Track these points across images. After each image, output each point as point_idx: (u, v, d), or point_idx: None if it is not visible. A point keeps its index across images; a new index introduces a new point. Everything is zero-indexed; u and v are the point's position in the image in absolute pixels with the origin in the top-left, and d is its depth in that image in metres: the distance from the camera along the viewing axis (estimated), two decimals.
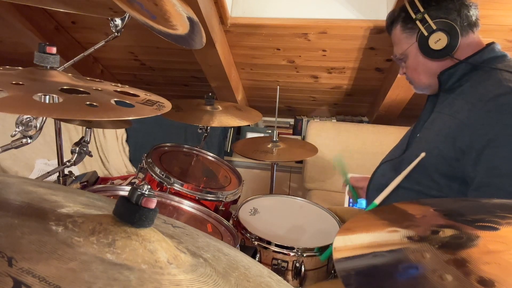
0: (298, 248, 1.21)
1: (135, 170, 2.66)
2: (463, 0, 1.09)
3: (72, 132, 2.66)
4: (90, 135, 1.24)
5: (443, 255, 0.42)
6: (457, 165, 1.01)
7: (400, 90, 2.33)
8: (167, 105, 0.72)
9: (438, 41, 1.08)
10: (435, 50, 1.09)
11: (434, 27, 1.08)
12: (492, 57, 1.07)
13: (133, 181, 2.28)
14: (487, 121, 0.96)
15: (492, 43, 1.10)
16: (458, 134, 1.01)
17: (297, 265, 1.21)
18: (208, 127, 1.83)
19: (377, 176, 1.27)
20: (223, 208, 1.47)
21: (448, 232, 0.48)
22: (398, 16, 1.17)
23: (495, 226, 0.48)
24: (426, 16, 1.09)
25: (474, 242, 0.44)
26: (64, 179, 1.29)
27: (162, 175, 1.41)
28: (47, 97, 0.59)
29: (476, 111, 0.99)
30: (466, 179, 1.00)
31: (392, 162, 1.21)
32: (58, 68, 0.73)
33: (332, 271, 1.28)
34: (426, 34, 1.09)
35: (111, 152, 2.78)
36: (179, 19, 1.10)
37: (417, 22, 1.10)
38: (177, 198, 1.35)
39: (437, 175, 1.05)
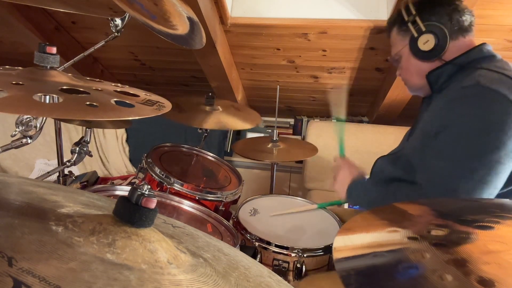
0: (298, 248, 1.21)
1: (135, 170, 2.66)
2: (456, 6, 1.12)
3: (72, 132, 2.66)
4: (90, 135, 1.24)
5: (443, 255, 0.42)
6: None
7: (400, 90, 2.33)
8: (167, 105, 0.72)
9: (426, 42, 1.12)
10: (424, 51, 1.13)
11: (424, 29, 1.12)
12: (478, 58, 1.09)
13: (133, 181, 2.28)
14: (447, 108, 1.03)
15: (482, 44, 1.11)
16: (427, 125, 1.08)
17: (298, 265, 1.21)
18: None
19: (376, 171, 1.29)
20: (223, 208, 1.47)
21: (448, 232, 0.48)
22: (396, 19, 1.22)
23: (495, 226, 0.48)
24: (417, 18, 1.13)
25: (474, 242, 0.44)
26: (64, 179, 1.29)
27: (162, 175, 1.41)
28: (47, 97, 0.59)
29: (443, 102, 1.05)
30: None
31: (390, 156, 1.26)
32: (58, 68, 0.73)
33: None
34: (416, 35, 1.13)
35: (111, 152, 2.78)
36: (179, 19, 1.10)
37: (409, 24, 1.15)
38: (177, 198, 1.35)
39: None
